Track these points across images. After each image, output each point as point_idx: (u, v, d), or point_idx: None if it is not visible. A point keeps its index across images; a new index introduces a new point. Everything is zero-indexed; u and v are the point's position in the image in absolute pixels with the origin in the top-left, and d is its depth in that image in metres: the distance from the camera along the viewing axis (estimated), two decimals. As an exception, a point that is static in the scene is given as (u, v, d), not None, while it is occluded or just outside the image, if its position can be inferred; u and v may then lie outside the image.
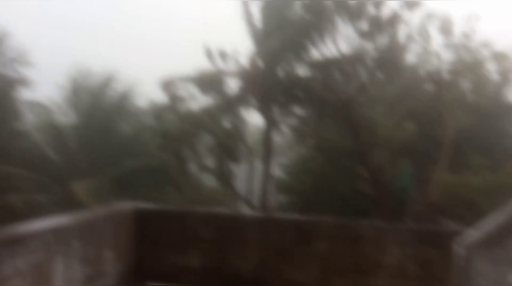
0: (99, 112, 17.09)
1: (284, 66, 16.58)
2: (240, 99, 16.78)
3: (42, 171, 15.63)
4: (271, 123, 16.94)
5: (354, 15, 14.82)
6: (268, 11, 16.47)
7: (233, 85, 17.04)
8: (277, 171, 17.86)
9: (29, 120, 20.00)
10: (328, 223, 4.95)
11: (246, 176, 18.82)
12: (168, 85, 16.34)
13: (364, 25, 14.86)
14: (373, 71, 16.10)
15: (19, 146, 18.73)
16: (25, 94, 18.74)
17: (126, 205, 4.80)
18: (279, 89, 16.50)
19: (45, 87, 19.20)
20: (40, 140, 17.71)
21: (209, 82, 16.41)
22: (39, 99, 19.26)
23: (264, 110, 16.78)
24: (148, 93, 18.02)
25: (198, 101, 16.64)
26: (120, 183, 14.87)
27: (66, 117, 18.03)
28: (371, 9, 14.79)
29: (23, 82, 18.66)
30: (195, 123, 15.52)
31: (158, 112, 17.11)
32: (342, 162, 15.53)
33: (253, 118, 17.97)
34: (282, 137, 18.76)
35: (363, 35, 14.98)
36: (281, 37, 15.56)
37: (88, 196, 13.30)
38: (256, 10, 16.57)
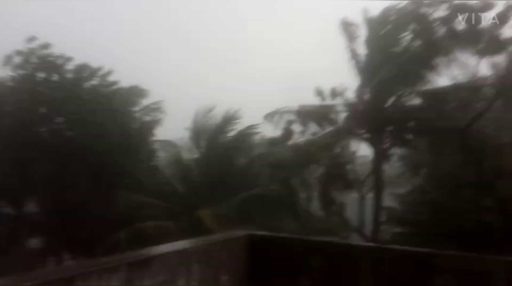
0: (219, 147, 18.17)
1: (395, 97, 15.92)
2: (348, 131, 16.42)
3: (171, 201, 16.99)
4: (381, 154, 16.16)
5: (468, 39, 13.67)
6: (374, 44, 16.14)
7: (340, 117, 16.85)
8: (389, 201, 16.80)
9: (161, 156, 22.21)
10: (451, 256, 4.34)
11: (357, 207, 18.04)
12: (275, 116, 16.80)
13: (479, 49, 13.59)
14: (492, 97, 14.49)
15: (154, 179, 20.77)
16: (158, 134, 20.97)
17: (240, 232, 4.85)
18: (389, 119, 15.78)
19: (173, 124, 21.31)
20: (169, 174, 19.42)
21: (316, 114, 16.43)
22: (169, 138, 21.33)
23: (374, 141, 16.14)
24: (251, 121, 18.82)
25: (307, 133, 16.71)
26: (238, 211, 15.40)
27: (190, 153, 19.59)
28: (486, 31, 13.49)
29: (157, 123, 20.93)
30: (305, 154, 15.50)
31: (270, 144, 17.61)
32: (462, 192, 13.95)
33: (363, 149, 17.44)
34: (393, 167, 17.77)
35: (479, 58, 13.69)
36: (390, 68, 15.05)
37: (209, 224, 13.97)
38: (360, 43, 16.42)
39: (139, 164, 19.54)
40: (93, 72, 19.34)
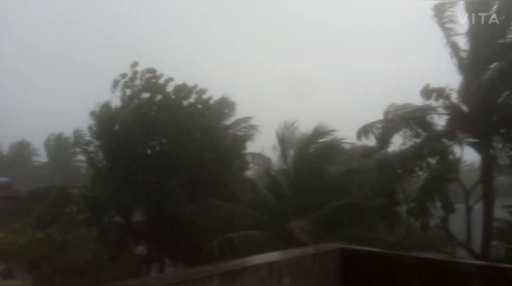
0: (308, 157, 18.02)
1: (506, 95, 14.26)
2: (451, 135, 15.07)
3: (262, 211, 17.25)
4: (490, 160, 14.54)
5: None
6: (477, 40, 14.62)
7: (438, 121, 15.58)
8: (502, 213, 15.02)
9: (252, 168, 22.83)
10: None
11: (463, 219, 16.45)
12: (368, 126, 16.09)
13: None
14: None
15: (245, 190, 21.35)
16: (249, 147, 21.66)
17: (333, 245, 4.67)
18: (501, 121, 14.18)
19: (261, 137, 21.85)
20: (260, 185, 19.79)
21: (413, 118, 15.40)
22: (258, 150, 21.91)
23: (482, 146, 14.60)
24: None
25: (403, 140, 15.69)
26: (327, 222, 15.04)
27: (279, 164, 19.79)
28: None
29: (248, 137, 21.61)
30: (403, 163, 14.53)
31: (363, 154, 16.92)
32: None
33: (468, 155, 15.85)
34: (505, 175, 15.86)
35: None
36: (497, 65, 13.55)
37: (299, 235, 13.83)
38: (461, 41, 15.01)
39: (231, 176, 20.28)
40: (189, 91, 20.65)
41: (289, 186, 17.62)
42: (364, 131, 15.93)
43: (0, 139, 38.96)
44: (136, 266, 21.02)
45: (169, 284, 2.91)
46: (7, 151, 47.82)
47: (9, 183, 30.23)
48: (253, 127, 21.68)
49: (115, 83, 19.99)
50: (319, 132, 17.93)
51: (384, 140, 15.57)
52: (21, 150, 48.48)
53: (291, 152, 18.66)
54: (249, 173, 23.25)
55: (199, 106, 20.63)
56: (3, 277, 16.30)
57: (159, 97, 20.02)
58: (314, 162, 17.56)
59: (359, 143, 17.36)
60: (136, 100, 19.94)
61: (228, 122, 21.99)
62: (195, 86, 20.83)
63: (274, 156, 20.61)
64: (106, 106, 20.47)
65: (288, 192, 17.60)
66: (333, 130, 17.76)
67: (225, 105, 21.93)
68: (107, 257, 22.22)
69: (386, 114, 16.03)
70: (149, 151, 20.51)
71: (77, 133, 21.89)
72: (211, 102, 21.33)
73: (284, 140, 18.39)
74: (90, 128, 20.54)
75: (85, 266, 18.05)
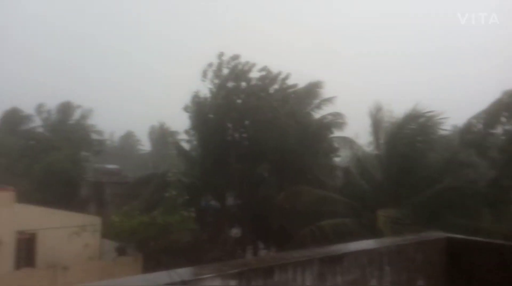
0: (402, 142, 17.01)
1: None
2: None
3: (352, 197, 16.80)
4: None
5: None
6: None
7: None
8: None
9: (340, 153, 22.27)
10: None
11: None
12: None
13: None
14: None
15: (334, 176, 20.99)
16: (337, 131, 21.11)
17: (437, 234, 4.38)
18: None
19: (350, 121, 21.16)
20: (350, 171, 19.26)
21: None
22: (346, 134, 21.24)
23: None
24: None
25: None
26: (425, 210, 14.13)
27: (370, 149, 19.01)
28: None
29: (335, 122, 21.10)
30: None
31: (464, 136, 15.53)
32: None
33: None
34: None
35: None
36: None
37: (391, 223, 13.22)
38: None
39: (319, 161, 20.08)
40: (274, 77, 20.81)
41: (382, 171, 16.83)
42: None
43: (112, 130, 43.36)
44: (232, 247, 22.01)
45: (270, 266, 2.99)
46: (117, 141, 53.02)
47: (119, 170, 33.60)
48: (338, 115, 21.08)
49: (204, 73, 20.83)
50: (415, 114, 16.60)
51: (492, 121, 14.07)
52: (128, 140, 53.37)
53: (383, 136, 17.70)
54: (339, 158, 22.75)
55: (284, 91, 20.68)
56: (118, 254, 18.23)
57: (244, 84, 20.48)
58: (409, 146, 16.49)
59: (460, 125, 15.92)
60: (224, 89, 20.63)
61: (314, 107, 21.69)
62: (279, 73, 20.88)
63: (364, 140, 19.74)
64: (196, 97, 21.50)
65: (380, 178, 16.85)
66: (430, 111, 16.24)
67: (311, 91, 21.66)
68: (205, 238, 23.64)
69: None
70: (238, 138, 21.17)
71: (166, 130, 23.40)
72: (297, 88, 21.24)
73: (376, 124, 17.50)
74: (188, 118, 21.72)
75: (186, 246, 19.41)
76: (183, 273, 2.58)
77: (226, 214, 22.52)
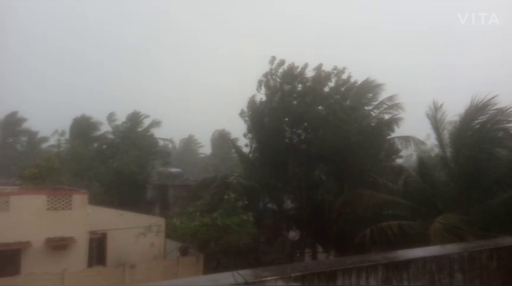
0: (468, 140, 15.93)
1: None
2: None
3: (416, 201, 16.01)
4: None
5: None
6: None
7: None
8: None
9: (402, 153, 21.30)
10: None
11: None
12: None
13: None
14: None
15: (396, 177, 20.12)
16: (396, 130, 20.19)
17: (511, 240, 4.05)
18: None
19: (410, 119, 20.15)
20: (413, 171, 18.37)
21: None
22: (408, 133, 20.27)
23: None
24: None
25: None
26: (496, 216, 13.08)
27: (434, 148, 18.00)
28: None
29: (395, 119, 20.21)
30: None
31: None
32: None
33: None
34: None
35: None
36: None
37: (446, 231, 12.37)
38: None
39: (380, 162, 19.38)
40: (328, 75, 20.35)
41: (448, 172, 15.85)
42: None
43: (173, 135, 45.31)
44: (290, 250, 21.93)
45: (333, 270, 2.93)
46: (178, 145, 55.11)
47: (182, 173, 34.92)
48: (398, 106, 20.05)
49: (259, 83, 20.91)
50: (480, 106, 15.22)
51: None
52: (189, 144, 55.27)
53: (449, 135, 16.66)
54: (401, 158, 21.77)
55: (340, 88, 20.16)
56: (181, 254, 18.91)
57: (300, 86, 20.28)
58: (477, 145, 15.33)
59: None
60: (279, 93, 20.58)
61: (373, 104, 20.92)
62: (335, 68, 20.35)
63: (425, 139, 18.73)
64: (252, 101, 21.70)
65: (446, 179, 15.89)
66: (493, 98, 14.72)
67: (369, 88, 20.89)
68: (264, 240, 23.79)
69: None
70: (295, 141, 21.04)
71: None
72: (353, 83, 20.65)
73: (437, 122, 16.50)
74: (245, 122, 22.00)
75: (245, 247, 19.66)
76: (246, 274, 2.61)
77: (283, 217, 22.50)
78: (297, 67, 20.32)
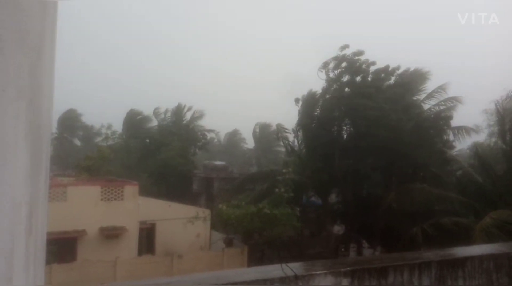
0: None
1: None
2: None
3: (471, 195, 15.30)
4: None
5: None
6: None
7: None
8: None
9: (457, 145, 20.30)
10: None
11: None
12: None
13: None
14: None
15: (450, 171, 19.28)
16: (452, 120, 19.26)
17: None
18: None
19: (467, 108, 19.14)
20: (469, 165, 17.52)
21: None
22: (464, 123, 19.29)
23: None
24: None
25: None
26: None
27: (493, 141, 17.04)
28: None
29: (449, 109, 19.29)
30: None
31: None
32: None
33: None
34: None
35: None
36: None
37: (510, 224, 11.67)
38: None
39: (433, 155, 18.57)
40: (387, 70, 19.73)
41: (509, 168, 14.98)
42: None
43: (217, 129, 45.98)
44: (335, 244, 21.70)
45: (384, 266, 2.89)
46: (223, 139, 55.98)
47: (226, 166, 35.48)
48: (455, 99, 19.14)
49: (325, 64, 20.27)
50: None
51: None
52: (233, 138, 55.96)
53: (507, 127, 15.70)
54: (456, 151, 20.69)
55: (398, 86, 19.48)
56: (226, 245, 19.28)
57: (358, 79, 19.75)
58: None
59: None
60: (336, 84, 20.12)
61: (422, 95, 20.08)
62: (398, 67, 19.74)
63: (488, 131, 17.67)
64: (310, 94, 21.39)
65: (506, 174, 15.03)
66: None
67: (417, 78, 20.05)
68: (307, 234, 23.70)
69: None
70: (344, 134, 20.66)
71: (279, 126, 23.73)
72: (404, 75, 19.90)
73: (503, 113, 15.51)
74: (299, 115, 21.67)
75: (290, 240, 19.69)
76: (295, 267, 2.64)
77: (328, 211, 22.26)
78: (360, 59, 19.68)
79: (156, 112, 36.50)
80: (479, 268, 3.19)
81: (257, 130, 48.44)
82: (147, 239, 19.06)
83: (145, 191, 21.01)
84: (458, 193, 15.96)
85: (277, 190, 17.95)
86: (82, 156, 27.91)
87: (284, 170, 18.87)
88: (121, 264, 15.11)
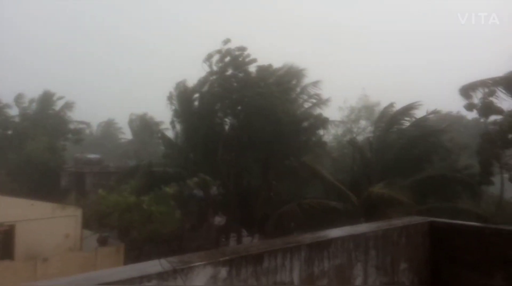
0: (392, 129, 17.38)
1: None
2: None
3: (340, 179, 17.09)
4: None
5: None
6: None
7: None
8: None
9: (328, 137, 22.38)
10: None
11: None
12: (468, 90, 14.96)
13: None
14: None
15: (322, 160, 21.13)
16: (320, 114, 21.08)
17: (421, 219, 4.53)
18: None
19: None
20: (338, 153, 19.44)
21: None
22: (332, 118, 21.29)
23: None
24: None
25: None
26: (414, 193, 14.51)
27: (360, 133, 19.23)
28: None
29: (320, 104, 21.17)
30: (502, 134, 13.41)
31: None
32: None
33: None
34: None
35: None
36: None
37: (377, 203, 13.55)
38: None
39: (306, 146, 20.20)
40: (273, 72, 20.71)
41: (372, 155, 17.25)
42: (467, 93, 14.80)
43: (89, 119, 42.53)
44: (216, 236, 22.12)
45: (259, 253, 3.05)
46: (96, 130, 52.15)
47: (101, 159, 33.14)
48: (323, 101, 21.16)
49: (209, 56, 20.30)
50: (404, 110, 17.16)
51: (487, 107, 14.29)
52: (108, 128, 52.51)
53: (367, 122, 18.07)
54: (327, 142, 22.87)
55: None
56: (99, 244, 18.13)
57: (241, 75, 20.29)
58: (398, 133, 16.94)
59: (443, 112, 16.41)
60: (213, 77, 20.35)
61: (299, 93, 21.72)
62: (270, 65, 20.76)
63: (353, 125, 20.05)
64: (182, 86, 21.22)
65: (371, 161, 17.26)
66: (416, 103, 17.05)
67: (292, 75, 21.62)
68: (188, 227, 23.67)
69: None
70: (227, 126, 21.10)
71: (150, 119, 23.11)
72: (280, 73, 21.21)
73: (360, 110, 17.83)
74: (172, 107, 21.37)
75: (170, 235, 19.41)
76: (174, 261, 2.62)
77: (210, 203, 22.55)
78: (247, 57, 20.19)
79: (18, 100, 32.19)
80: (341, 248, 3.59)
81: (137, 121, 46.32)
82: (4, 243, 16.86)
83: (2, 189, 18.52)
84: (330, 178, 17.65)
85: (154, 185, 17.56)
86: None
87: (157, 165, 18.51)
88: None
